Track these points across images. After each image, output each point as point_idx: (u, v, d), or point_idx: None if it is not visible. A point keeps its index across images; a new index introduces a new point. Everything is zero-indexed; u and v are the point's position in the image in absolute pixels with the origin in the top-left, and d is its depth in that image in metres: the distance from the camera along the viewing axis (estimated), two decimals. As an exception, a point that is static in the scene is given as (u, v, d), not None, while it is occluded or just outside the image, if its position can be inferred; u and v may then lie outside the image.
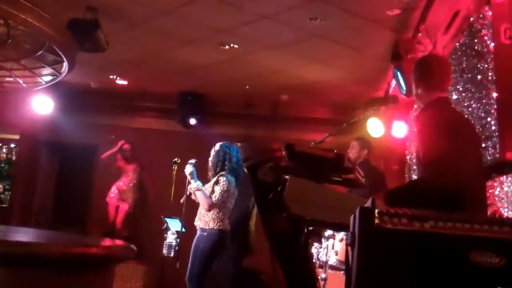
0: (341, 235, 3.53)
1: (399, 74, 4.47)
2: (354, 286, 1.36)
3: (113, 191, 7.11)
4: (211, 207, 4.29)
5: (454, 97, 3.88)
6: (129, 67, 6.49)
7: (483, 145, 3.15)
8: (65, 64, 5.48)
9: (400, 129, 6.01)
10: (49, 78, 6.17)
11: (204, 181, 4.45)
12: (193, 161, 4.39)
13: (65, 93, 7.19)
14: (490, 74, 3.30)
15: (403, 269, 1.33)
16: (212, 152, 4.52)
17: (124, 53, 5.88)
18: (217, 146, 4.53)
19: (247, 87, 6.83)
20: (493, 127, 3.21)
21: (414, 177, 5.52)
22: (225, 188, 4.29)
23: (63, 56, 5.19)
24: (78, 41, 4.73)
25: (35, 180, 8.05)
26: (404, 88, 4.43)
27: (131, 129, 7.75)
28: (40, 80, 6.27)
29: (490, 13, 3.33)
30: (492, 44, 3.28)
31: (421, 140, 2.37)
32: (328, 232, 3.61)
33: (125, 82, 7.17)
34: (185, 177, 4.42)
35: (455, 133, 2.26)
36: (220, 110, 7.69)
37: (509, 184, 3.40)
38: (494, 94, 3.22)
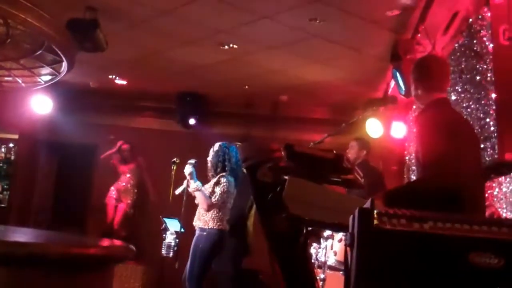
0: (340, 235, 3.54)
1: (398, 74, 4.48)
2: (353, 287, 1.36)
3: (112, 191, 7.11)
4: (210, 207, 4.29)
5: (453, 97, 3.89)
6: (129, 67, 6.48)
7: (482, 145, 3.15)
8: (64, 64, 5.48)
9: (399, 130, 6.01)
10: (48, 77, 6.17)
11: (204, 181, 4.45)
12: (192, 161, 4.40)
13: (64, 92, 7.18)
14: (489, 75, 3.30)
15: (402, 270, 1.33)
16: (211, 152, 4.51)
17: (123, 53, 5.88)
18: (216, 146, 4.53)
19: (247, 87, 6.83)
20: (492, 128, 3.21)
21: (413, 177, 5.53)
22: (226, 189, 4.30)
23: (62, 55, 5.19)
24: (78, 41, 4.73)
25: (34, 180, 8.05)
26: (403, 89, 4.43)
27: (130, 129, 7.75)
28: (39, 80, 6.28)
29: (489, 14, 3.34)
30: (491, 45, 3.28)
31: (421, 141, 2.37)
32: (327, 233, 3.61)
33: (124, 82, 7.16)
34: (184, 177, 4.42)
35: (454, 134, 2.26)
36: (219, 110, 7.68)
37: (508, 184, 3.40)
38: (493, 95, 3.22)
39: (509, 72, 3.18)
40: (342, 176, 1.96)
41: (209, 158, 4.50)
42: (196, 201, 4.42)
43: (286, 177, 1.87)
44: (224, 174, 4.37)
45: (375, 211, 1.35)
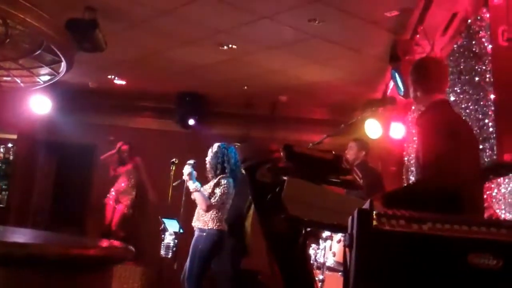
0: (339, 236, 3.54)
1: (397, 75, 4.48)
2: (352, 288, 1.36)
3: (111, 192, 7.10)
4: (209, 208, 4.28)
5: (452, 98, 3.89)
6: (128, 67, 6.48)
7: (481, 146, 3.15)
8: (63, 64, 5.47)
9: (398, 131, 6.01)
10: (47, 77, 6.16)
11: (203, 181, 4.45)
12: (191, 161, 4.39)
13: (63, 93, 7.18)
14: (487, 76, 3.30)
15: (401, 271, 1.33)
16: (210, 153, 4.50)
17: (122, 53, 5.87)
18: (215, 147, 4.51)
19: (246, 87, 6.83)
20: (491, 129, 3.21)
21: (412, 178, 5.53)
22: (226, 191, 4.29)
23: (61, 55, 5.18)
24: (77, 41, 4.73)
25: (32, 180, 8.04)
26: (402, 90, 4.43)
27: (129, 129, 7.74)
28: (38, 80, 6.27)
29: (487, 15, 3.34)
30: (490, 46, 3.29)
31: (421, 142, 2.38)
32: (326, 233, 3.61)
33: (123, 82, 7.16)
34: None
35: (453, 135, 2.26)
36: (218, 110, 7.68)
37: (507, 185, 3.40)
38: (492, 96, 3.22)
39: (508, 73, 3.18)
40: (341, 177, 1.96)
41: (208, 159, 4.48)
42: (192, 197, 4.39)
43: (285, 178, 1.87)
44: (224, 175, 4.36)
45: (374, 212, 1.35)
